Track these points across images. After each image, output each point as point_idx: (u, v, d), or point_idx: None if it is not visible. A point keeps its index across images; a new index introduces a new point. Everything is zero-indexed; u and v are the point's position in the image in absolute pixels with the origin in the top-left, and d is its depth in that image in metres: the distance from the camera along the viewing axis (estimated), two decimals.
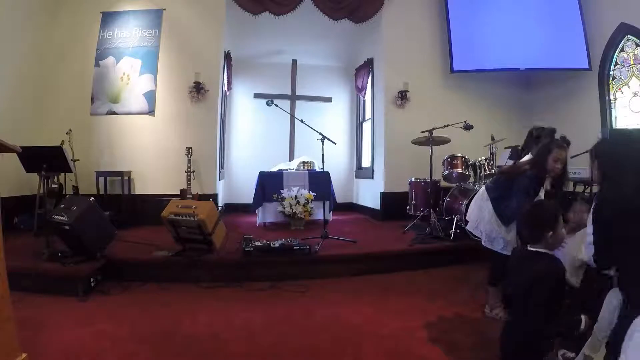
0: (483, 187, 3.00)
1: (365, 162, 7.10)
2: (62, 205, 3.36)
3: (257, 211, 5.38)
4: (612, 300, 1.81)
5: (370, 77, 6.64)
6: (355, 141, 7.68)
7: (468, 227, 3.05)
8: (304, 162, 5.75)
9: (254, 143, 7.32)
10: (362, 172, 7.17)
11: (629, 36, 4.97)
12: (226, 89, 6.51)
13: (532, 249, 1.83)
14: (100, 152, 5.43)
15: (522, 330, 1.72)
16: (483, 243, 2.83)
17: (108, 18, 5.53)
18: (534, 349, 1.71)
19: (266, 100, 4.68)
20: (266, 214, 5.33)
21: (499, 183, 2.88)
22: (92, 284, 3.15)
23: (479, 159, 4.78)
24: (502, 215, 2.72)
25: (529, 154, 3.11)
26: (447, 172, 4.92)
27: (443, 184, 5.21)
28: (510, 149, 5.33)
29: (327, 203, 4.80)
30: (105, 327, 2.50)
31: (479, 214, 2.86)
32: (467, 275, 3.65)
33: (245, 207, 5.99)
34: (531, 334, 1.69)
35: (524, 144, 3.09)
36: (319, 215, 5.10)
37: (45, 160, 3.43)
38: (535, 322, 1.66)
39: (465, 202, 4.32)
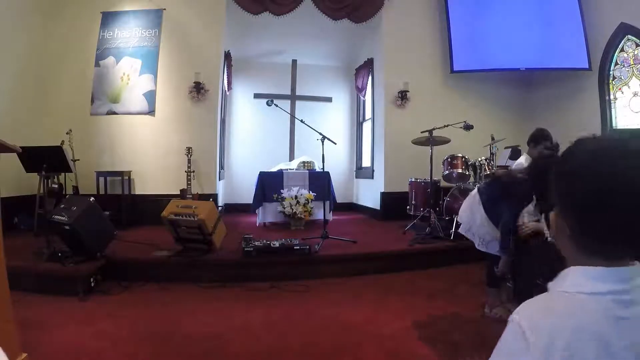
0: (475, 189, 2.95)
1: (365, 162, 7.10)
2: (62, 205, 3.36)
3: (257, 211, 5.38)
4: None
5: (370, 77, 6.64)
6: (355, 141, 7.68)
7: (460, 230, 3.00)
8: (304, 162, 5.75)
9: (254, 143, 7.32)
10: (362, 172, 7.17)
11: (629, 36, 4.97)
12: (226, 89, 6.51)
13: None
14: (100, 152, 5.43)
15: None
16: (477, 246, 2.81)
17: (108, 18, 5.53)
18: None
19: (266, 100, 4.67)
20: (266, 214, 5.33)
21: (493, 187, 2.85)
22: (92, 284, 3.15)
23: (479, 159, 4.78)
24: (494, 219, 2.70)
25: (524, 154, 3.11)
26: (447, 172, 4.92)
27: (443, 184, 5.20)
28: (510, 149, 5.35)
29: (327, 203, 4.80)
30: (105, 327, 2.50)
31: (471, 217, 2.83)
32: (467, 275, 3.65)
33: (245, 207, 5.99)
34: None
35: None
36: (319, 215, 5.10)
37: (45, 160, 3.43)
38: None
39: None
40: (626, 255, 0.61)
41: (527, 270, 2.11)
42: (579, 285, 0.61)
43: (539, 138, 2.99)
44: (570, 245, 0.65)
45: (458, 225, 4.32)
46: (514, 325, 0.63)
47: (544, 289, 0.68)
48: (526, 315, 0.62)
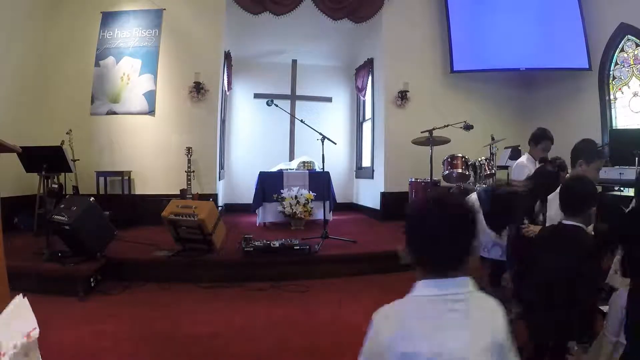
0: (475, 195, 2.82)
1: (365, 162, 7.10)
2: (62, 205, 3.36)
3: (257, 211, 5.38)
4: (622, 300, 1.78)
5: (370, 77, 6.64)
6: (355, 141, 7.68)
7: None
8: (304, 162, 5.75)
9: (254, 143, 7.32)
10: (362, 172, 7.17)
11: (629, 36, 4.97)
12: (226, 89, 6.51)
13: (569, 222, 1.79)
14: (100, 152, 5.42)
15: (573, 310, 1.69)
16: (479, 253, 2.79)
17: (108, 18, 5.53)
18: (586, 327, 1.73)
19: (266, 100, 4.68)
20: (266, 214, 5.33)
21: (495, 198, 2.79)
22: (92, 284, 3.15)
23: (479, 159, 4.78)
24: (495, 226, 2.68)
25: (525, 154, 3.10)
26: (447, 172, 4.92)
27: (443, 184, 5.20)
28: (510, 149, 5.35)
29: (327, 203, 4.80)
30: (105, 327, 2.50)
31: None
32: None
33: (245, 207, 5.99)
34: (585, 312, 1.69)
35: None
36: (319, 215, 5.10)
37: (45, 160, 3.43)
38: (588, 299, 1.66)
39: None
40: (444, 272, 0.90)
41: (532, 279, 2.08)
42: (421, 291, 0.91)
43: (539, 138, 2.99)
44: (416, 266, 0.95)
45: None
46: (372, 320, 0.93)
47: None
48: (379, 312, 0.94)
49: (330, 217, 5.15)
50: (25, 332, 1.18)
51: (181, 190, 5.25)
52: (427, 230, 0.92)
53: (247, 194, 6.07)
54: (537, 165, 2.91)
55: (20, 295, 1.25)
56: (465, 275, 0.90)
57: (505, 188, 2.80)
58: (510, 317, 2.69)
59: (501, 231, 2.68)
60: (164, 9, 5.58)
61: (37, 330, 1.22)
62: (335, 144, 4.59)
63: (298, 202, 5.11)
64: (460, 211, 0.91)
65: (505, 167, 5.36)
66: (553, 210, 2.18)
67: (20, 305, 1.23)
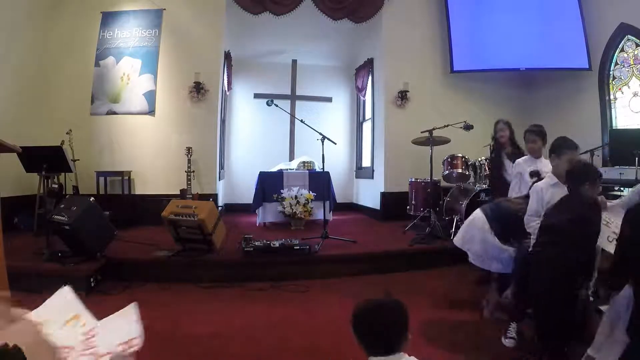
0: (482, 215, 2.81)
1: (365, 162, 7.10)
2: (62, 205, 3.37)
3: (257, 211, 5.38)
4: (622, 300, 1.79)
5: (370, 77, 6.64)
6: (355, 141, 7.68)
7: (474, 262, 2.85)
8: (304, 162, 5.75)
9: (254, 143, 7.32)
10: (362, 172, 7.17)
11: (629, 36, 4.97)
12: (226, 89, 6.51)
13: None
14: (100, 152, 5.43)
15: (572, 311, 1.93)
16: (501, 271, 2.74)
17: (108, 18, 5.53)
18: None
19: (266, 100, 4.68)
20: (266, 214, 5.33)
21: (502, 213, 2.78)
22: (92, 284, 3.15)
23: (479, 159, 4.77)
24: (506, 239, 2.69)
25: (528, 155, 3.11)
26: (447, 172, 4.92)
27: (443, 184, 5.20)
28: None
29: (327, 203, 4.80)
30: None
31: (484, 247, 2.75)
32: (467, 275, 3.65)
33: (245, 207, 5.99)
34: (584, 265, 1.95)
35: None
36: (319, 215, 5.10)
37: (45, 160, 3.43)
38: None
39: (465, 202, 4.31)
40: (383, 351, 1.20)
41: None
42: None
43: (524, 134, 3.09)
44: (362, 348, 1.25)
45: (458, 225, 4.32)
46: None
47: None
48: None
49: (330, 217, 5.15)
50: (124, 339, 1.09)
51: (181, 190, 5.25)
52: (357, 329, 1.26)
53: (247, 194, 6.07)
54: (531, 164, 2.97)
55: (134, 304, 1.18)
56: (401, 351, 1.22)
57: (507, 205, 2.85)
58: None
59: (513, 244, 2.70)
60: (164, 9, 5.58)
61: (139, 340, 1.12)
62: (335, 144, 4.59)
63: (298, 202, 5.11)
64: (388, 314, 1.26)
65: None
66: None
67: (128, 309, 1.16)
